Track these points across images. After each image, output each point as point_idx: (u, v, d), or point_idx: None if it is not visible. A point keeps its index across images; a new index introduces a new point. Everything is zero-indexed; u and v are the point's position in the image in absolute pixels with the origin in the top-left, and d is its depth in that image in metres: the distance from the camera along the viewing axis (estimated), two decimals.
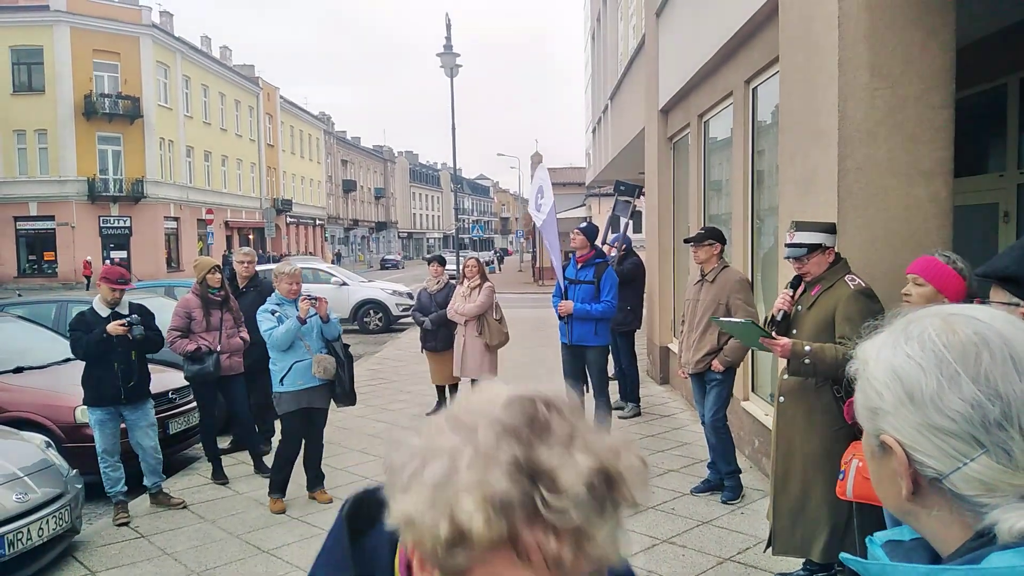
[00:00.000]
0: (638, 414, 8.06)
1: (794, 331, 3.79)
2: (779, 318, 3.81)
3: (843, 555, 0.93)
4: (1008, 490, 0.75)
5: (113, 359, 5.32)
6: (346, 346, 5.82)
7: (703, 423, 5.63)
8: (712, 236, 5.47)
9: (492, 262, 49.53)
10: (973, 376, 0.76)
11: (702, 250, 5.39)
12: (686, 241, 5.58)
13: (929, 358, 0.79)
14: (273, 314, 5.44)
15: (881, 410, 0.82)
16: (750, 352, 6.41)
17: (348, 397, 5.68)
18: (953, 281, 2.98)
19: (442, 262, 8.84)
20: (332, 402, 5.74)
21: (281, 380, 5.42)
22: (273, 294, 5.65)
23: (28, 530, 4.25)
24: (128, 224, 35.45)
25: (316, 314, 5.48)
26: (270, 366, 5.52)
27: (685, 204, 9.24)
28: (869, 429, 0.86)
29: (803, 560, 4.04)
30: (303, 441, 5.61)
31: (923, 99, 4.01)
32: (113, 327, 5.30)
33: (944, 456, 0.77)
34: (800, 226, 3.80)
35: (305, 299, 5.41)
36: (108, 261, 30.24)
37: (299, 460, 5.65)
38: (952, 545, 0.79)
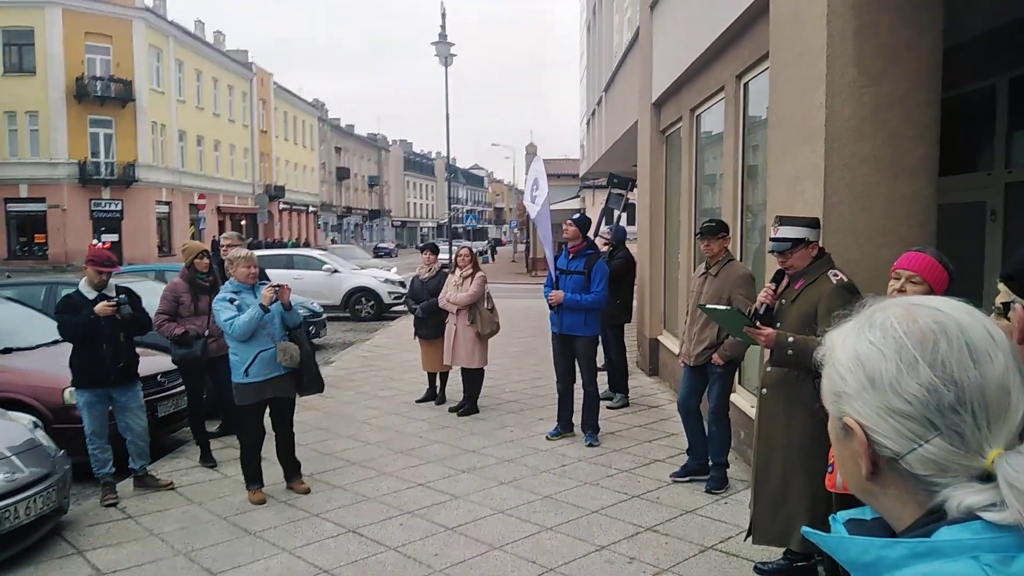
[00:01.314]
0: (626, 404, 8.13)
1: (778, 324, 3.84)
2: (762, 311, 3.86)
3: (804, 528, 0.98)
4: (960, 471, 0.80)
5: (101, 341, 5.33)
6: (309, 333, 5.72)
7: (682, 410, 5.66)
8: (724, 229, 5.49)
9: (486, 252, 49.52)
10: (930, 362, 0.80)
11: (715, 243, 5.38)
12: (698, 235, 5.56)
13: (890, 344, 0.83)
14: (232, 303, 5.25)
15: (844, 394, 0.87)
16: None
17: (315, 384, 5.57)
18: (943, 279, 3.02)
19: (435, 250, 8.88)
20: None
21: (245, 371, 5.26)
22: (228, 282, 5.44)
23: (15, 509, 4.28)
24: (119, 208, 35.28)
25: (278, 300, 5.30)
26: (230, 356, 5.34)
27: (677, 198, 9.28)
28: (833, 412, 0.90)
29: (783, 549, 4.11)
30: (268, 433, 5.55)
31: (909, 97, 4.05)
32: (101, 307, 5.31)
33: (901, 438, 0.82)
34: (784, 220, 3.84)
35: (269, 287, 5.25)
36: (95, 242, 30.15)
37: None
38: (907, 522, 0.84)
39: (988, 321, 0.85)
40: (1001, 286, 1.52)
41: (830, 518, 0.95)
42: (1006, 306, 1.49)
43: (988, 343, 0.82)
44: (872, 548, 0.80)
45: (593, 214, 10.95)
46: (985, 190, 5.44)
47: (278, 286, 5.32)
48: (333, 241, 59.31)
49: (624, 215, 9.23)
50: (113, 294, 5.53)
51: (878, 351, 0.83)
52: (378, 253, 48.11)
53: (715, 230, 5.38)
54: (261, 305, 5.20)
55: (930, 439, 0.80)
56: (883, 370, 0.82)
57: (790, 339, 3.62)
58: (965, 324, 0.82)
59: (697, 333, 5.42)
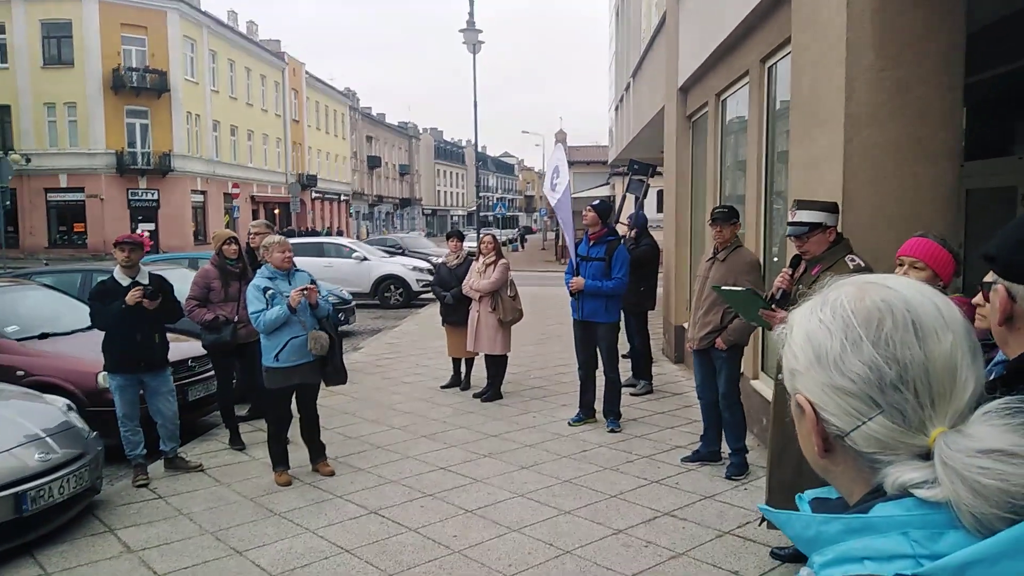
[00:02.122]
0: (650, 391, 8.13)
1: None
2: (778, 296, 3.85)
3: (759, 505, 1.00)
4: (902, 448, 0.80)
5: (133, 330, 5.47)
6: (336, 324, 5.81)
7: (698, 396, 5.73)
8: (736, 215, 5.48)
9: (515, 240, 49.49)
10: (874, 340, 0.81)
11: (727, 229, 5.38)
12: (710, 221, 5.55)
13: (837, 323, 0.84)
14: (265, 292, 5.36)
15: (796, 371, 0.88)
16: (759, 331, 6.44)
17: (339, 375, 5.66)
18: (948, 264, 3.00)
19: (460, 237, 8.93)
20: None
21: (276, 356, 5.37)
22: (264, 267, 5.54)
23: (50, 488, 4.43)
24: (156, 197, 35.90)
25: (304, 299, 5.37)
26: (262, 340, 5.45)
27: (703, 184, 9.22)
28: (790, 389, 0.91)
29: None
30: (295, 417, 5.67)
31: (930, 80, 3.99)
32: (131, 296, 5.44)
33: (845, 415, 0.82)
34: (801, 205, 3.82)
35: (298, 291, 5.30)
36: (141, 232, 30.84)
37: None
38: (856, 499, 0.85)
39: (942, 300, 0.84)
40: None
41: (796, 497, 0.96)
42: (986, 286, 1.47)
43: (936, 321, 0.81)
44: (813, 524, 0.81)
45: (618, 202, 10.90)
46: (1016, 174, 5.34)
47: (306, 289, 5.39)
48: (368, 232, 59.72)
49: (644, 201, 9.17)
50: (146, 281, 5.65)
51: (826, 329, 0.84)
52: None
53: (727, 216, 5.38)
54: (288, 306, 5.30)
55: (872, 417, 0.80)
56: (828, 348, 0.83)
57: None
58: (914, 302, 0.82)
59: (702, 317, 5.43)
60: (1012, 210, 5.32)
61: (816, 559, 0.81)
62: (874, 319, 0.82)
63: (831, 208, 3.82)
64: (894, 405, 0.80)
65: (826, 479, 0.92)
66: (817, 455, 0.88)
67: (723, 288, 4.35)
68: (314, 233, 40.37)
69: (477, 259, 8.11)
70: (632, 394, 7.90)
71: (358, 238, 44.51)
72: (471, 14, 19.15)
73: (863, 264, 3.67)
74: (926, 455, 0.79)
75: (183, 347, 6.71)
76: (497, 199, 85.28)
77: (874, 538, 0.76)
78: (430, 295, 17.23)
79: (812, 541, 0.82)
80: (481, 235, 8.76)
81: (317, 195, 53.80)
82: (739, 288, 4.37)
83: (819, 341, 0.85)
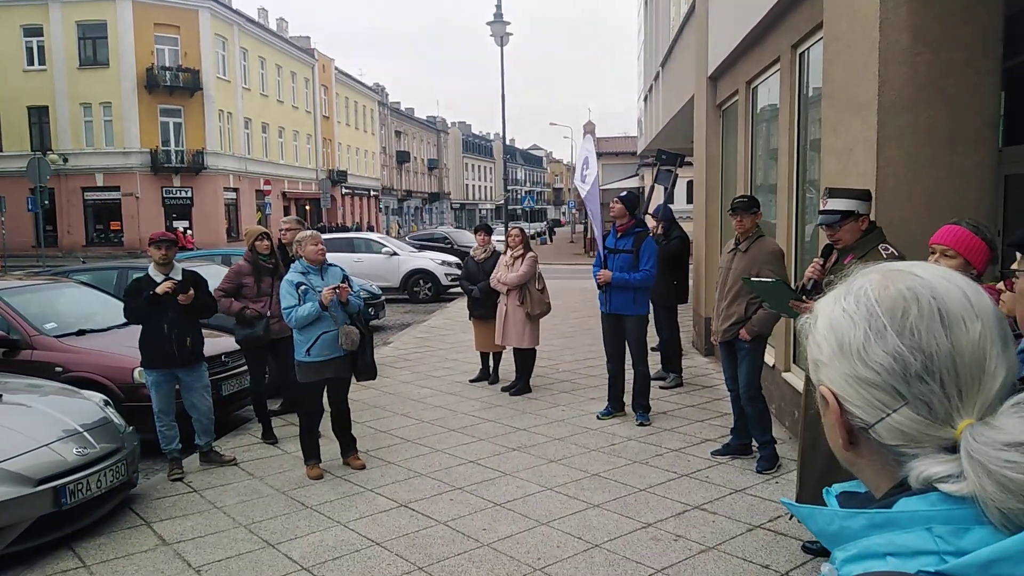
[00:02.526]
0: (680, 384, 8.06)
1: None
2: (809, 287, 3.78)
3: (782, 500, 0.98)
4: (929, 441, 0.78)
5: (164, 323, 5.55)
6: (367, 320, 5.83)
7: (728, 389, 5.68)
8: (756, 204, 5.44)
9: (544, 233, 49.41)
10: (898, 330, 0.78)
11: (747, 218, 5.34)
12: (730, 211, 5.51)
13: (861, 312, 0.81)
14: (298, 287, 5.40)
15: (820, 362, 0.86)
16: (791, 322, 6.35)
17: (369, 370, 5.70)
18: (981, 251, 2.92)
19: (488, 231, 8.93)
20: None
21: (307, 351, 5.43)
22: (297, 262, 5.59)
23: (87, 482, 4.52)
24: (189, 195, 36.46)
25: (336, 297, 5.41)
26: (295, 335, 5.52)
27: (733, 173, 9.10)
28: (814, 380, 0.89)
29: None
30: (327, 410, 5.73)
31: (968, 64, 3.89)
32: (162, 287, 5.52)
33: (869, 407, 0.80)
34: (833, 192, 3.75)
35: (329, 289, 5.34)
36: (182, 231, 31.58)
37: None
38: (882, 493, 0.83)
39: (971, 287, 0.81)
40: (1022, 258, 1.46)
41: (823, 491, 0.94)
42: (1010, 273, 1.42)
43: (964, 309, 0.78)
44: (836, 518, 0.79)
45: (647, 193, 10.81)
46: None
47: (337, 287, 5.42)
48: (400, 226, 59.97)
49: (672, 191, 9.09)
50: (179, 277, 5.73)
51: (849, 318, 0.82)
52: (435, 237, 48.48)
53: (747, 206, 5.34)
54: (320, 303, 5.34)
55: (897, 408, 0.78)
56: (851, 337, 0.81)
57: None
58: (940, 289, 0.80)
59: (725, 308, 5.39)
60: None
61: (838, 555, 0.79)
62: (899, 308, 0.79)
63: (863, 196, 3.74)
64: (919, 397, 0.77)
65: (852, 472, 0.90)
66: (842, 447, 0.85)
67: (753, 280, 4.30)
68: (344, 229, 40.69)
69: (505, 252, 8.10)
70: (662, 387, 7.85)
71: (387, 233, 44.77)
72: (499, 6, 19.10)
73: (897, 253, 3.59)
74: (953, 448, 0.76)
75: (217, 342, 6.80)
76: (525, 192, 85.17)
77: (897, 533, 0.74)
78: (459, 289, 17.32)
79: (835, 536, 0.80)
80: (509, 228, 8.73)
81: (347, 191, 54.20)
82: (769, 280, 4.31)
83: (842, 331, 0.83)
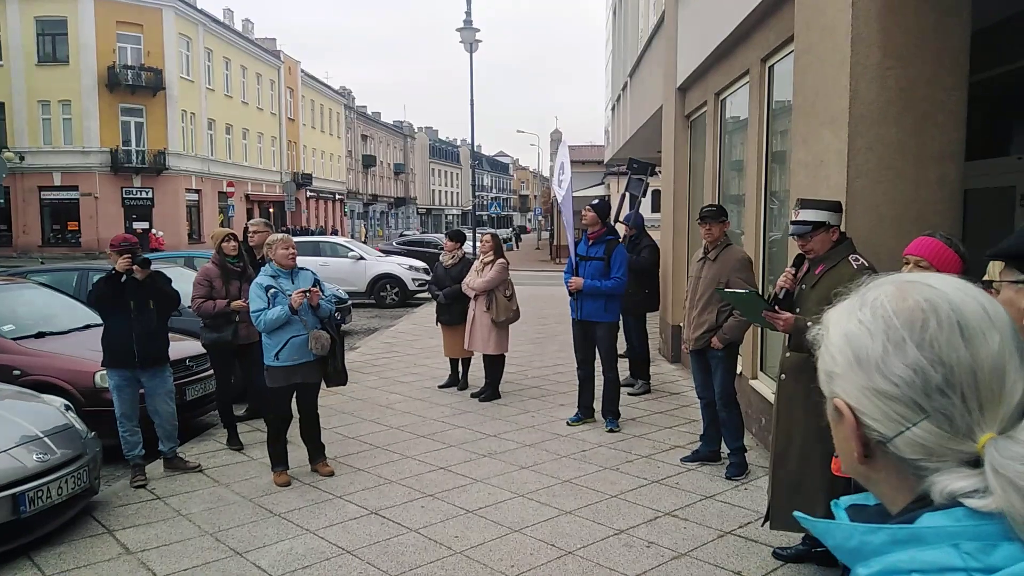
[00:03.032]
0: (648, 391, 8.12)
1: (797, 310, 3.82)
2: (781, 296, 3.84)
3: (795, 513, 0.97)
4: (949, 455, 0.76)
5: (127, 320, 5.43)
6: (338, 325, 5.78)
7: (699, 396, 5.74)
8: (724, 213, 5.51)
9: (510, 239, 49.47)
10: (918, 342, 0.77)
11: (716, 227, 5.41)
12: (699, 219, 5.57)
13: (878, 324, 0.80)
14: (268, 290, 5.33)
15: (834, 374, 0.84)
16: (759, 330, 6.44)
17: (340, 376, 5.64)
18: (954, 264, 2.99)
19: (460, 238, 8.90)
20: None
21: (276, 355, 5.36)
22: (268, 265, 5.51)
23: (48, 489, 4.40)
24: (150, 196, 35.80)
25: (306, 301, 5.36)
26: (263, 339, 5.44)
27: (701, 184, 9.21)
28: (826, 393, 0.88)
29: (802, 535, 4.11)
30: (295, 416, 5.65)
31: (936, 80, 3.99)
32: (122, 263, 5.41)
33: (888, 420, 0.79)
34: (805, 204, 3.81)
35: (299, 292, 5.28)
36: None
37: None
38: (899, 507, 0.81)
39: (986, 299, 0.81)
40: (993, 265, 1.48)
41: (831, 503, 0.93)
42: (985, 284, 1.44)
43: (983, 322, 0.78)
44: (856, 534, 0.78)
45: (617, 201, 10.90)
46: (1015, 175, 5.34)
47: (308, 291, 5.36)
48: (367, 231, 59.48)
49: (642, 201, 9.17)
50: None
51: (866, 330, 0.81)
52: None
53: (716, 215, 5.42)
54: (290, 306, 5.27)
55: (917, 422, 0.77)
56: (869, 350, 0.80)
57: (809, 324, 3.59)
58: (958, 302, 0.79)
59: (696, 317, 5.45)
60: (1011, 210, 5.33)
61: (860, 571, 0.77)
62: (917, 320, 0.78)
63: (835, 207, 3.81)
64: (940, 410, 0.76)
65: (865, 486, 0.89)
66: (856, 461, 0.84)
67: (726, 291, 4.36)
68: (307, 233, 40.30)
69: (479, 258, 8.10)
70: (630, 394, 7.89)
71: (353, 236, 44.40)
72: (468, 13, 19.12)
73: (867, 264, 3.66)
74: (974, 462, 0.76)
75: (181, 346, 6.68)
76: (492, 198, 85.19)
77: (922, 550, 0.73)
78: (426, 294, 17.24)
79: (854, 552, 0.78)
80: (480, 235, 8.72)
81: (312, 194, 53.70)
82: (742, 291, 4.38)
83: (859, 343, 0.81)
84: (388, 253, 21.24)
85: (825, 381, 0.88)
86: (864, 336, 0.81)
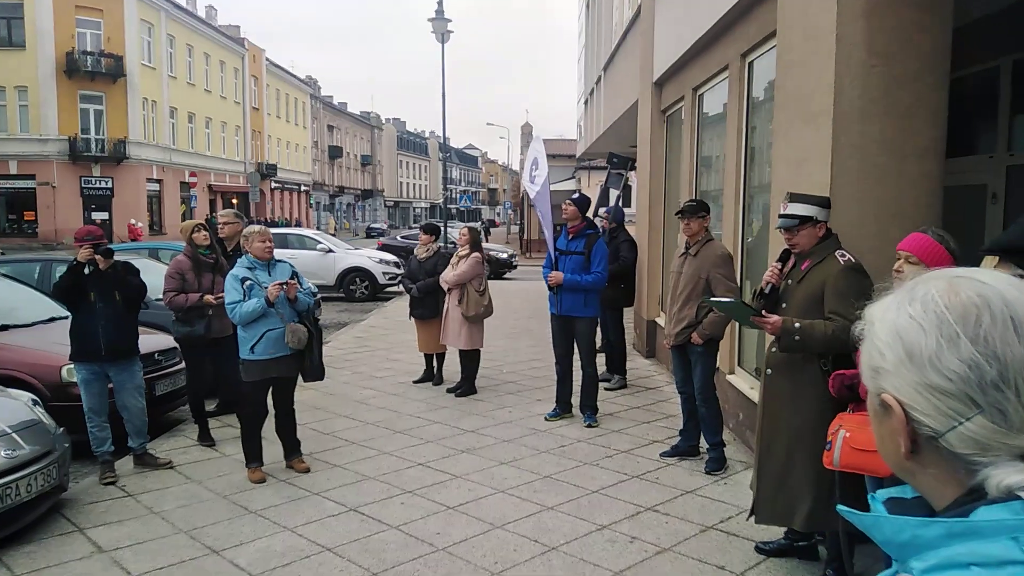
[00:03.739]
0: (624, 386, 8.14)
1: (783, 305, 3.83)
2: (767, 291, 3.85)
3: (840, 507, 0.96)
4: (1002, 449, 0.77)
5: (93, 312, 5.29)
6: (316, 319, 5.70)
7: (679, 391, 5.75)
8: (704, 208, 5.52)
9: (479, 233, 49.42)
10: (972, 337, 0.78)
11: (695, 222, 5.41)
12: (678, 214, 5.59)
13: (930, 319, 0.81)
14: (243, 283, 5.22)
15: (882, 369, 0.84)
16: (736, 326, 6.48)
17: (317, 371, 5.55)
18: (945, 260, 3.02)
19: (434, 232, 8.83)
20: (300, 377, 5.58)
21: (251, 349, 5.25)
22: (243, 257, 5.40)
23: (16, 486, 4.25)
24: (110, 185, 34.98)
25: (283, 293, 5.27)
26: (239, 332, 5.33)
27: (677, 179, 9.24)
28: (871, 388, 0.88)
29: (784, 529, 4.13)
30: (271, 411, 5.55)
31: (919, 78, 4.02)
32: (83, 253, 5.26)
33: (941, 415, 0.79)
34: (794, 197, 3.82)
35: (276, 284, 5.19)
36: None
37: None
38: (947, 501, 0.82)
39: None
40: (987, 260, 1.49)
41: (869, 496, 0.93)
42: None
43: None
44: (908, 527, 0.78)
45: (590, 195, 10.90)
46: (987, 173, 5.44)
47: (285, 283, 5.26)
48: (335, 222, 58.87)
49: (621, 195, 9.18)
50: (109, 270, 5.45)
51: (918, 325, 0.81)
52: (370, 234, 48.02)
53: (695, 210, 5.42)
54: (266, 299, 5.17)
55: (971, 417, 0.78)
56: (923, 345, 0.80)
57: (796, 325, 3.62)
58: (1010, 297, 0.79)
59: (677, 312, 5.46)
60: (982, 208, 5.42)
61: (916, 564, 0.77)
62: (971, 315, 0.79)
63: (823, 203, 3.82)
64: (995, 405, 0.77)
65: (905, 479, 0.89)
66: (904, 456, 0.84)
67: (713, 300, 4.39)
68: (271, 224, 39.77)
69: (456, 252, 8.03)
70: (607, 388, 7.89)
71: (320, 229, 43.88)
72: (440, 3, 18.97)
73: (853, 260, 3.68)
74: None
75: (150, 340, 6.51)
76: (461, 192, 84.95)
77: (981, 543, 0.73)
78: (396, 288, 17.11)
79: (906, 546, 0.78)
80: (459, 228, 8.65)
81: (277, 185, 53.02)
82: (728, 299, 4.40)
83: (911, 338, 0.81)
84: (387, 249, 21.16)
85: (870, 376, 0.88)
86: (916, 331, 0.81)
